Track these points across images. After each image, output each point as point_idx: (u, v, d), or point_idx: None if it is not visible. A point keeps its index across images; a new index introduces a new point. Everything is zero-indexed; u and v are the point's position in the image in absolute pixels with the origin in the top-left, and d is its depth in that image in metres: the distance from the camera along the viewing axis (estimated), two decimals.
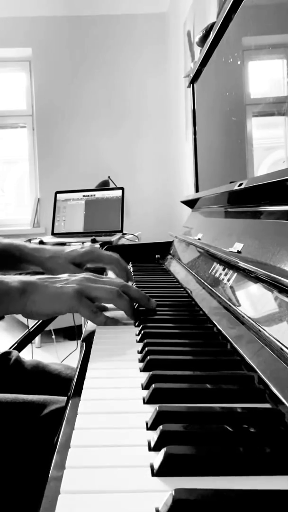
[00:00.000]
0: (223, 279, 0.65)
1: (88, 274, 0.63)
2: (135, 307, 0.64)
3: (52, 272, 0.79)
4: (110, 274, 0.86)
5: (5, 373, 0.80)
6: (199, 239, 0.97)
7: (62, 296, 0.58)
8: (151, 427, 0.32)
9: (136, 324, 0.61)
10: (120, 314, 0.65)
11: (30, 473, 0.52)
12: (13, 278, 0.60)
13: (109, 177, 3.04)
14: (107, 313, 0.62)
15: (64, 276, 0.62)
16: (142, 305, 0.65)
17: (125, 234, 2.12)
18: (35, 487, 0.36)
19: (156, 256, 1.31)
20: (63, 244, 1.95)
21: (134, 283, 0.90)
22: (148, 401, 0.36)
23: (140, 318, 0.62)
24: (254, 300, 0.51)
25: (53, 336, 2.52)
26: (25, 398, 0.61)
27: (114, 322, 0.62)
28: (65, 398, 0.60)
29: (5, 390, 0.66)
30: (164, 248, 1.35)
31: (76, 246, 0.84)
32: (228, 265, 0.65)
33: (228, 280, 0.62)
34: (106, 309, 0.67)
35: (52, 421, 0.57)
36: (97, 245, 1.85)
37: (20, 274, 0.83)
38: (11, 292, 0.58)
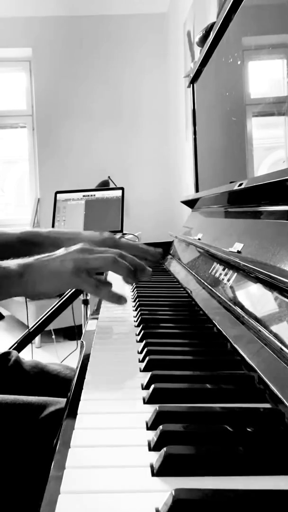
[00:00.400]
0: (223, 279, 0.65)
1: (84, 244, 0.63)
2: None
3: None
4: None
5: (5, 373, 0.79)
6: (199, 239, 0.97)
7: (62, 274, 0.58)
8: (151, 427, 0.32)
9: (136, 324, 0.61)
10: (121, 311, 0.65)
11: (30, 474, 0.52)
12: (11, 262, 0.61)
13: (109, 177, 3.04)
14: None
15: (60, 251, 0.62)
16: (138, 270, 0.65)
17: (125, 234, 2.12)
18: (35, 487, 0.36)
19: None
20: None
21: (134, 284, 0.90)
22: (148, 401, 0.36)
23: (140, 317, 0.62)
24: (254, 300, 0.51)
25: (53, 336, 2.52)
26: (25, 400, 0.61)
27: (117, 296, 0.61)
28: (65, 399, 0.60)
29: (4, 391, 0.66)
30: (164, 248, 1.35)
31: (92, 232, 0.83)
32: (228, 265, 0.65)
33: (228, 280, 0.62)
34: (110, 284, 0.66)
35: (52, 422, 0.57)
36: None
37: None
38: (10, 276, 0.59)
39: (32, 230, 0.85)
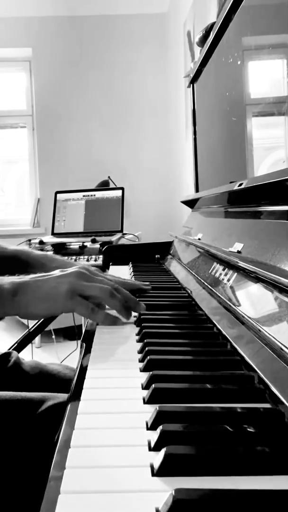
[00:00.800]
0: (223, 279, 0.65)
1: (82, 268, 0.62)
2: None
3: None
4: None
5: (4, 374, 0.80)
6: (199, 239, 0.97)
7: (56, 297, 0.57)
8: (151, 427, 0.32)
9: (136, 324, 0.61)
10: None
11: (30, 472, 0.52)
12: (5, 280, 0.59)
13: (109, 177, 3.03)
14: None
15: (56, 272, 0.61)
16: (130, 306, 0.64)
17: (125, 234, 2.12)
18: (35, 487, 0.36)
19: (156, 256, 1.31)
20: (64, 244, 1.95)
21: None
22: (148, 401, 0.36)
23: (140, 317, 0.62)
24: (254, 300, 0.51)
25: (53, 336, 2.52)
26: (23, 395, 0.62)
27: (113, 319, 0.61)
28: (64, 394, 0.60)
29: (4, 390, 0.66)
30: (164, 248, 1.35)
31: (81, 262, 0.84)
32: (228, 265, 0.65)
33: (228, 280, 0.62)
34: (104, 306, 0.66)
35: (52, 416, 0.57)
36: (97, 245, 1.86)
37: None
38: (3, 294, 0.57)
39: (25, 250, 0.86)
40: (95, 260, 1.74)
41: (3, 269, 0.83)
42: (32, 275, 0.61)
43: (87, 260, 1.76)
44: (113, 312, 0.63)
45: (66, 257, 0.85)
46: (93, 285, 0.59)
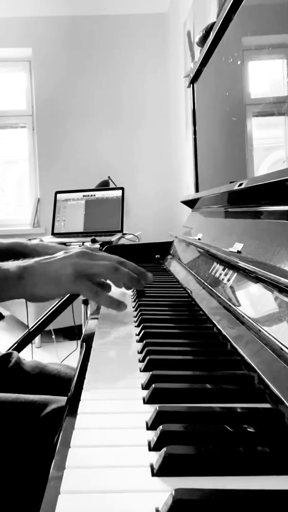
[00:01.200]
0: (223, 279, 0.65)
1: (85, 249, 0.63)
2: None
3: None
4: None
5: (5, 374, 0.80)
6: (199, 239, 0.97)
7: (61, 278, 0.57)
8: (151, 427, 0.32)
9: (136, 324, 0.61)
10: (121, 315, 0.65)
11: (30, 473, 0.52)
12: (11, 264, 0.61)
13: (109, 177, 3.04)
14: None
15: (60, 254, 0.62)
16: (139, 277, 0.65)
17: (125, 234, 2.12)
18: (35, 487, 0.36)
19: (156, 256, 1.31)
20: (63, 244, 1.95)
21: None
22: (148, 401, 0.36)
23: (140, 317, 0.62)
24: (254, 300, 0.51)
25: (53, 336, 2.52)
26: (26, 398, 0.62)
27: (117, 302, 0.61)
28: (66, 398, 0.60)
29: (5, 391, 0.66)
30: (164, 248, 1.35)
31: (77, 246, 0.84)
32: (228, 265, 0.65)
33: (228, 280, 0.62)
34: (109, 287, 0.66)
35: (53, 420, 0.57)
36: (97, 245, 1.86)
37: None
38: (9, 278, 0.58)
39: (20, 241, 0.86)
40: None
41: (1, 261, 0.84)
42: (36, 258, 0.62)
43: None
44: (119, 297, 0.63)
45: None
46: (97, 263, 0.60)
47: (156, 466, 0.27)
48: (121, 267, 0.61)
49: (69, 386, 0.41)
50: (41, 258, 0.62)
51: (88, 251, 0.62)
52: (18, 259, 0.85)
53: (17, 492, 0.53)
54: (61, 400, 0.60)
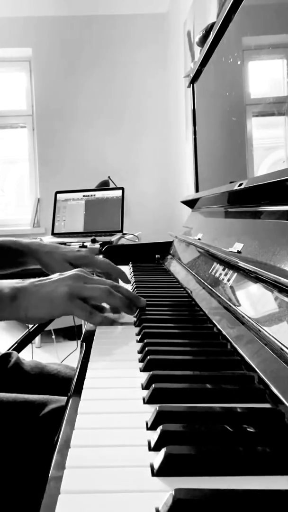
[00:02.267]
0: (223, 279, 0.65)
1: (80, 271, 0.63)
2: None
3: (48, 266, 0.81)
4: None
5: (5, 375, 0.80)
6: (199, 239, 0.97)
7: (55, 300, 0.57)
8: (151, 427, 0.32)
9: (136, 324, 0.61)
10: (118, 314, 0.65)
11: (30, 473, 0.52)
12: (4, 284, 0.60)
13: (109, 177, 3.04)
14: (105, 314, 0.63)
15: (55, 276, 0.61)
16: (132, 303, 0.64)
17: (125, 234, 2.12)
18: (35, 487, 0.36)
19: (156, 256, 1.31)
20: (63, 244, 1.95)
21: (134, 284, 0.90)
22: (148, 401, 0.36)
23: (140, 318, 0.62)
24: (254, 300, 0.51)
25: (53, 336, 2.52)
26: (26, 398, 0.62)
27: (111, 321, 0.62)
28: (65, 397, 0.60)
29: (4, 391, 0.66)
30: (164, 248, 1.35)
31: (72, 247, 0.85)
32: (228, 265, 0.65)
33: (228, 280, 0.62)
34: (103, 308, 0.66)
35: (53, 419, 0.57)
36: (97, 245, 1.86)
37: (16, 272, 0.83)
38: (2, 299, 0.58)
39: (13, 240, 0.86)
40: None
41: None
42: (31, 280, 0.61)
43: None
44: (114, 316, 0.64)
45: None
46: (91, 286, 0.59)
47: (156, 466, 0.27)
48: (114, 292, 0.60)
49: (68, 386, 0.41)
50: (35, 280, 0.61)
51: (82, 274, 0.62)
52: (13, 258, 0.85)
53: (17, 492, 0.53)
54: (61, 400, 0.61)
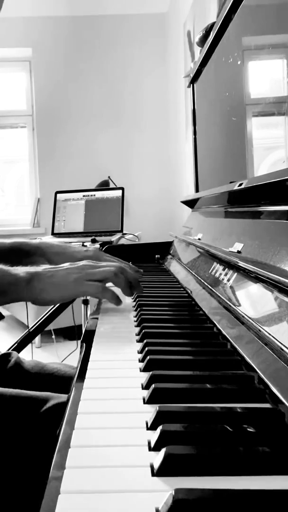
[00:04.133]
0: (223, 279, 0.65)
1: (88, 261, 0.70)
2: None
3: None
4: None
5: (5, 375, 0.80)
6: (199, 239, 0.97)
7: (67, 284, 0.64)
8: (151, 427, 0.32)
9: (136, 324, 0.61)
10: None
11: (31, 470, 0.52)
12: (20, 269, 0.66)
13: (109, 177, 3.04)
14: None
15: (66, 265, 0.68)
16: (132, 286, 0.72)
17: (125, 234, 2.12)
18: (36, 486, 0.36)
19: (156, 256, 1.31)
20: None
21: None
22: (148, 401, 0.36)
23: (140, 317, 0.62)
24: (254, 300, 0.51)
25: (53, 336, 2.52)
26: (27, 393, 0.62)
27: (119, 299, 0.67)
28: (66, 394, 0.60)
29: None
30: (164, 248, 1.35)
31: (80, 247, 0.88)
32: (228, 265, 0.65)
33: (228, 280, 0.62)
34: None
35: (53, 415, 0.57)
36: (97, 245, 1.85)
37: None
38: (18, 282, 0.64)
39: (23, 241, 0.91)
40: None
41: (6, 261, 0.85)
42: (44, 266, 0.69)
43: None
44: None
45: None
46: (99, 270, 0.66)
47: (156, 466, 0.27)
48: (120, 274, 0.68)
49: (68, 385, 0.41)
50: (49, 266, 0.68)
51: (91, 262, 0.69)
52: (22, 258, 0.86)
53: (17, 490, 0.53)
54: (62, 396, 0.61)
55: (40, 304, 0.66)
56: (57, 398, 0.61)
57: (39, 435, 0.56)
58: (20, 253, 0.87)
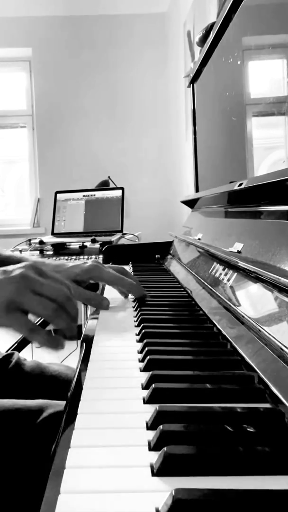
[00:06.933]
0: (223, 279, 0.65)
1: (35, 263, 0.53)
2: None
3: None
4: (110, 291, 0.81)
5: (5, 375, 0.79)
6: (199, 239, 0.97)
7: None
8: (151, 427, 0.32)
9: (136, 324, 0.61)
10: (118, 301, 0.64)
11: (28, 477, 0.52)
12: None
13: (109, 177, 3.03)
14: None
15: (10, 268, 0.52)
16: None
17: (125, 234, 2.12)
18: (35, 488, 0.35)
19: (156, 256, 1.31)
20: (63, 243, 1.95)
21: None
22: (148, 401, 0.36)
23: (140, 317, 0.62)
24: (254, 300, 0.51)
25: None
26: (22, 404, 0.60)
27: (56, 343, 0.53)
28: (63, 402, 0.60)
29: (5, 392, 0.66)
30: (164, 248, 1.35)
31: (77, 262, 0.77)
32: (228, 265, 0.65)
33: (228, 280, 0.62)
34: (46, 325, 0.56)
35: (50, 425, 0.56)
36: (97, 245, 1.85)
37: None
38: None
39: (19, 257, 0.78)
40: None
41: None
42: None
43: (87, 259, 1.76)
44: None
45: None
46: (36, 298, 0.49)
47: (156, 466, 0.27)
48: (62, 311, 0.50)
49: (69, 387, 0.41)
50: None
51: (31, 275, 0.50)
52: None
53: (17, 493, 0.53)
54: (59, 405, 0.60)
55: None
56: (53, 407, 0.59)
57: (35, 445, 0.55)
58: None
